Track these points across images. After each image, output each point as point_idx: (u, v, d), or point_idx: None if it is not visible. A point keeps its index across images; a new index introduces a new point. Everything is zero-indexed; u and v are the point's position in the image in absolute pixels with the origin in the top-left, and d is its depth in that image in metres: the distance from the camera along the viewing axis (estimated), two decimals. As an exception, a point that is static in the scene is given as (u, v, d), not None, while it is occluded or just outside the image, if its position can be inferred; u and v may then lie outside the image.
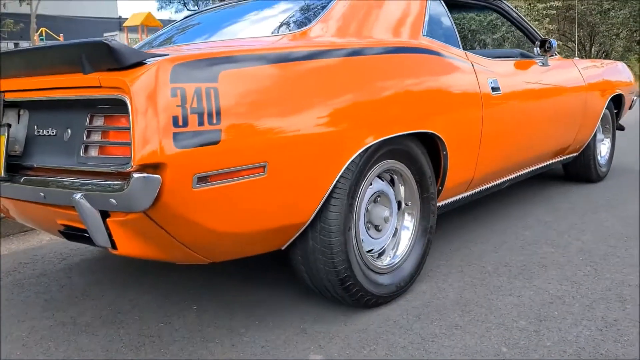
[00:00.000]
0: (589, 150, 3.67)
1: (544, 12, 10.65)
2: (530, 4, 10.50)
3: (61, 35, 17.61)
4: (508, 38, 8.38)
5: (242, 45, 1.78)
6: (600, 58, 19.57)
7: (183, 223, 1.42)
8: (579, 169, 3.77)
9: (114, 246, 1.47)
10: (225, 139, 1.40)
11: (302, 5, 2.18)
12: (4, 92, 1.67)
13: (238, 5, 2.55)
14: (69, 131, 1.53)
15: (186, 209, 1.39)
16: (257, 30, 2.22)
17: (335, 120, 1.66)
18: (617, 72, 4.00)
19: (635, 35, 19.94)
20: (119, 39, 23.59)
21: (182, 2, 32.88)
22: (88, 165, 1.46)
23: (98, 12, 36.97)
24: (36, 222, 1.92)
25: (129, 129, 1.30)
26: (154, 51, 1.49)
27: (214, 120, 1.38)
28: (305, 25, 1.97)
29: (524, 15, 10.46)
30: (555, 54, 3.30)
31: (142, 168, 1.30)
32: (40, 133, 1.63)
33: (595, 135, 3.66)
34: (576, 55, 19.13)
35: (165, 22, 24.13)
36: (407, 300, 1.99)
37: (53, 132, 1.58)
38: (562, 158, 3.47)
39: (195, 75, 1.38)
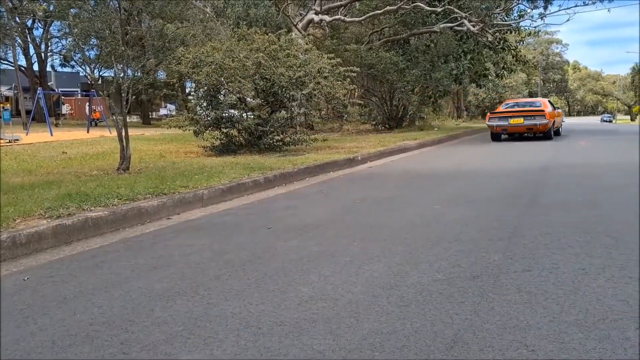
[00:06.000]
0: (553, 128, 17.14)
1: (345, 73, 11.67)
2: (333, 67, 11.46)
3: None
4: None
5: (542, 107, 16.93)
6: (400, 110, 21.82)
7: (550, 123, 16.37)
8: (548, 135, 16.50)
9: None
10: (549, 117, 16.01)
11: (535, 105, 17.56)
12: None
13: (525, 104, 18.54)
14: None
15: (550, 122, 16.09)
16: (535, 105, 17.35)
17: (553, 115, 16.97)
18: (557, 113, 18.21)
19: (426, 90, 22.65)
20: None
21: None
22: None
23: None
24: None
25: (545, 116, 15.86)
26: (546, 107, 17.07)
27: (550, 109, 17.23)
28: (544, 109, 16.44)
29: (328, 75, 11.38)
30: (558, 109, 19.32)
31: (545, 117, 15.94)
32: None
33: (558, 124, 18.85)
34: (379, 106, 21.09)
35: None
36: (179, 373, 2.03)
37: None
38: (547, 130, 16.10)
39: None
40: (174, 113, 37.69)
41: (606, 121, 67.95)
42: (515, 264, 3.29)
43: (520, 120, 15.84)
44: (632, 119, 76.07)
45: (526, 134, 16.74)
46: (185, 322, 2.51)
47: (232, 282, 3.11)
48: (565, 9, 37.74)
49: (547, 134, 16.17)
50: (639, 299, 2.63)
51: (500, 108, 17.85)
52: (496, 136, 16.59)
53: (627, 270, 3.09)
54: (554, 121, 16.88)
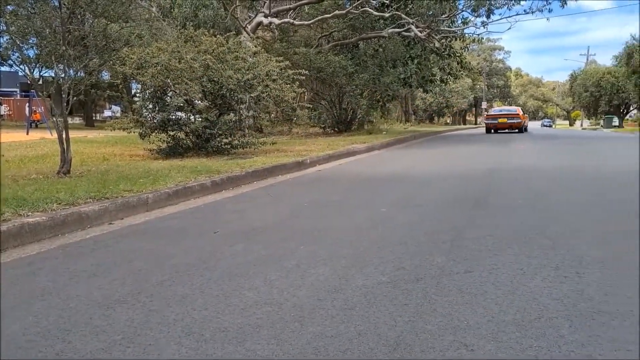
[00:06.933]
0: (524, 126, 30.37)
1: (293, 77, 11.68)
2: (282, 69, 11.45)
3: None
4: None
5: (517, 112, 30.05)
6: (349, 114, 22.00)
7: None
8: (521, 130, 28.99)
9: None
10: (522, 118, 29.43)
11: (513, 110, 30.99)
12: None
13: (505, 110, 32.43)
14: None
15: (522, 121, 29.97)
16: (513, 111, 30.38)
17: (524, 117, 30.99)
18: (525, 116, 31.74)
19: (375, 94, 22.94)
20: None
21: None
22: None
23: None
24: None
25: (520, 117, 28.80)
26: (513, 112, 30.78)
27: (522, 113, 30.39)
28: (519, 113, 29.63)
29: (277, 78, 11.36)
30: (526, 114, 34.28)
31: (520, 118, 29.31)
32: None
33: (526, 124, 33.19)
34: (328, 109, 21.17)
35: None
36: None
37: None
38: (520, 127, 28.85)
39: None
40: (118, 115, 36.71)
41: (546, 126, 70.88)
42: (457, 265, 3.36)
43: (505, 120, 28.14)
44: (571, 124, 79.52)
45: (507, 130, 28.04)
46: (124, 330, 2.44)
47: (175, 287, 3.04)
48: (506, 17, 39.01)
49: (521, 129, 28.21)
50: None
51: (491, 112, 31.94)
52: (489, 130, 28.79)
53: (561, 270, 3.21)
54: (524, 121, 29.44)
